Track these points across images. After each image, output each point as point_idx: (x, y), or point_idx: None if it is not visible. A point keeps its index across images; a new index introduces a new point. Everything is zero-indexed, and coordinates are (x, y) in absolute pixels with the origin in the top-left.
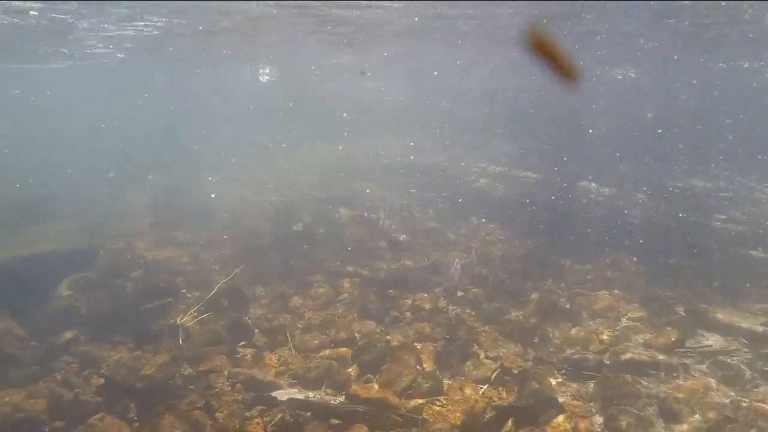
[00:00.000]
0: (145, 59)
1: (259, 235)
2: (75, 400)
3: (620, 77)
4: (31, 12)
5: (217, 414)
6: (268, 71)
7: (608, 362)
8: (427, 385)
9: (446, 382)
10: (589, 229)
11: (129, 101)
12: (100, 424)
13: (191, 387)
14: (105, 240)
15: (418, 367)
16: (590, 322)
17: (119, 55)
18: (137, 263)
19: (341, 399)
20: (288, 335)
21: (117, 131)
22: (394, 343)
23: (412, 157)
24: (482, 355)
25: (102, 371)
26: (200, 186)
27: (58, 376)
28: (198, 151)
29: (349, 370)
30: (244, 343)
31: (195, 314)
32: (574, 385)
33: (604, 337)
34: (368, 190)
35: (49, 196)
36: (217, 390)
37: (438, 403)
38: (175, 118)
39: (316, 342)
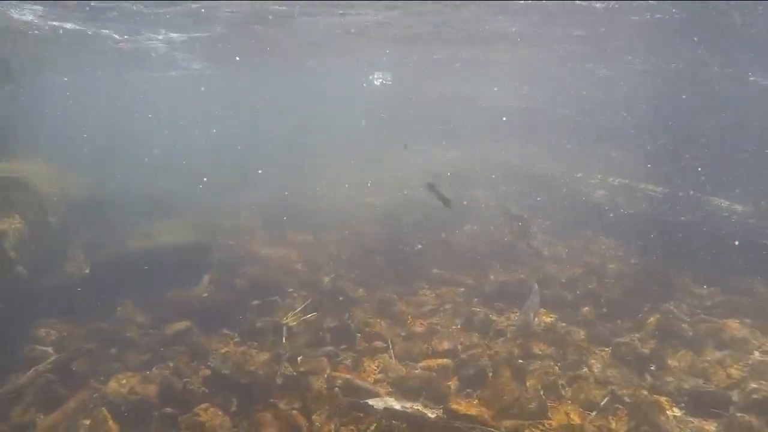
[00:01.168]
0: (252, 65)
1: (367, 237)
2: (183, 388)
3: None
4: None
5: (313, 417)
6: (381, 74)
7: (737, 400)
8: (530, 406)
9: (551, 404)
10: (717, 250)
11: (241, 106)
12: (204, 414)
13: (291, 387)
14: (220, 236)
15: (521, 386)
16: (716, 353)
17: (176, 60)
18: (249, 260)
19: (439, 413)
20: (389, 342)
21: (233, 134)
22: (498, 359)
23: (526, 165)
24: (591, 379)
25: (209, 363)
26: (311, 187)
27: (171, 364)
28: (310, 153)
29: (449, 383)
30: (345, 346)
31: (299, 314)
32: (694, 422)
33: (733, 371)
34: (479, 197)
35: (172, 192)
36: (316, 392)
37: (541, 427)
38: (288, 121)
39: (417, 351)
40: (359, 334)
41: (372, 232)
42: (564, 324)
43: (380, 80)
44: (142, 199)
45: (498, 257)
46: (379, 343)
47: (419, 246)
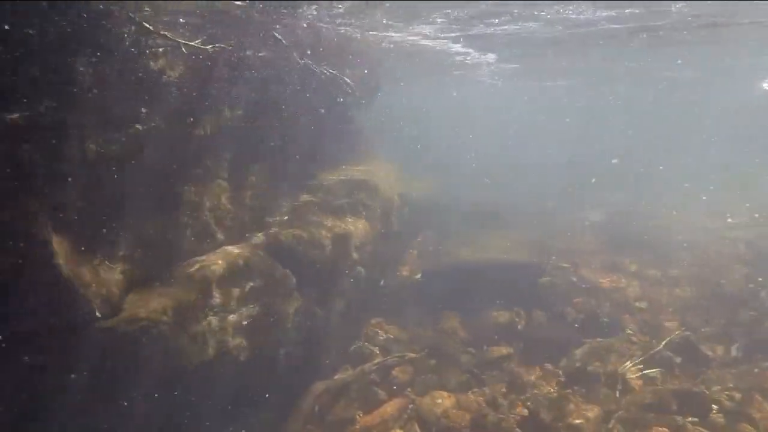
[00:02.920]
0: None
1: (727, 279)
2: (498, 425)
3: None
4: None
5: None
6: None
7: None
8: None
9: None
10: None
11: (589, 116)
12: None
13: None
14: (552, 256)
15: None
16: None
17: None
18: (580, 288)
19: None
20: (757, 425)
21: (572, 146)
22: None
23: None
24: None
25: (528, 402)
26: (657, 208)
27: (486, 391)
28: (658, 171)
29: None
30: (695, 419)
31: (640, 366)
32: None
33: None
34: None
35: (505, 202)
36: None
37: None
38: (642, 134)
39: None
40: (716, 407)
41: (737, 273)
42: None
43: None
44: (476, 207)
45: None
46: (743, 424)
47: None
